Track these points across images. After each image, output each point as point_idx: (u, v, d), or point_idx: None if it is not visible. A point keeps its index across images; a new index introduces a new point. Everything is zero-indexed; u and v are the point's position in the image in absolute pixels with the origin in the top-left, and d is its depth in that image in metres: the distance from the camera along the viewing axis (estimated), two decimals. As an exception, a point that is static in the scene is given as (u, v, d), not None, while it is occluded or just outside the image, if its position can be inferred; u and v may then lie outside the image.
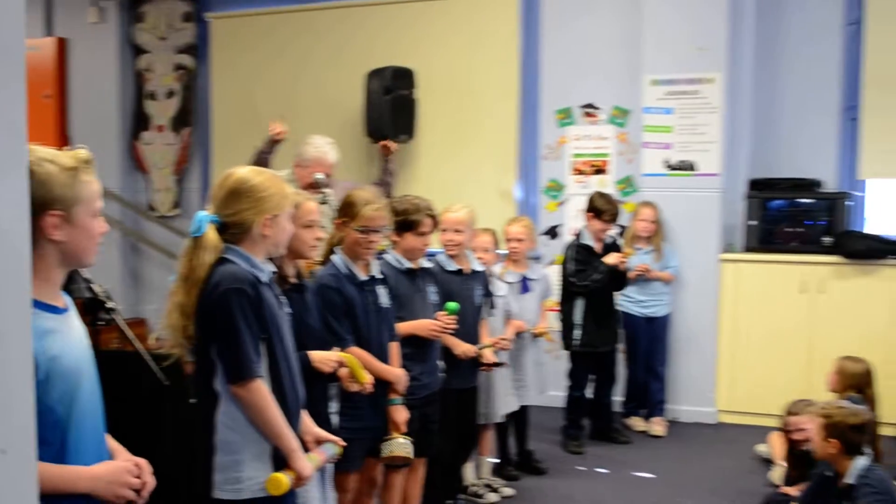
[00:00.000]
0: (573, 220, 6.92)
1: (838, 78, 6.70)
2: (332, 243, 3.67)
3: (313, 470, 2.72)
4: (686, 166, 6.53)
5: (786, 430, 4.79)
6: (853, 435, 3.81)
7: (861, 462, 3.79)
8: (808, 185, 6.58)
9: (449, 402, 4.27)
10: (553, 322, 5.77)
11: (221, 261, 2.59)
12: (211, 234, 2.58)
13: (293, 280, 3.23)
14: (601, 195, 5.90)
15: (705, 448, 6.02)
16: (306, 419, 2.84)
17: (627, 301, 6.22)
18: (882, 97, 6.47)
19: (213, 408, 2.59)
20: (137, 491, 2.06)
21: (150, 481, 2.12)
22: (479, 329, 4.59)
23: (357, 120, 7.12)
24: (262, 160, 5.28)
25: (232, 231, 2.62)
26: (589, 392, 6.07)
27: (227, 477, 2.58)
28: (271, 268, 2.73)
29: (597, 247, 5.81)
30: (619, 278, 5.85)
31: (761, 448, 5.58)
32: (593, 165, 7.00)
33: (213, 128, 8.20)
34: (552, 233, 7.10)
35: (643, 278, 6.19)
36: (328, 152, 5.15)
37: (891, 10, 6.46)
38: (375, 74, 7.01)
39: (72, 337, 2.03)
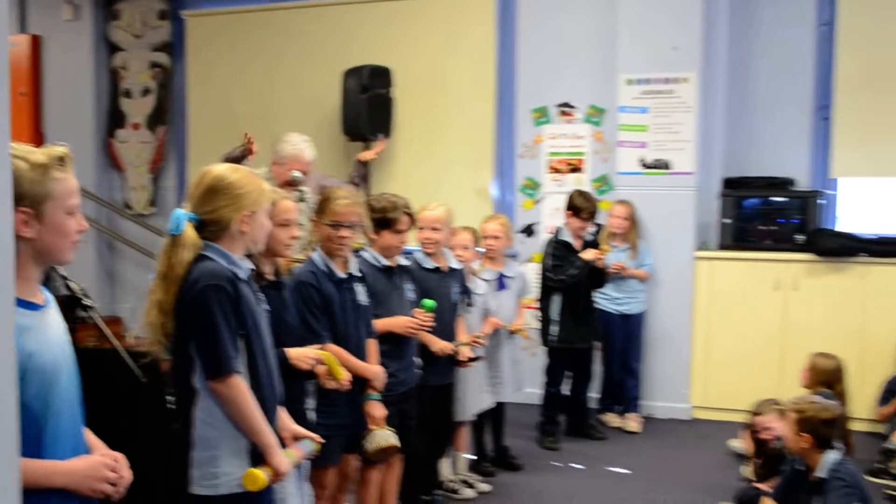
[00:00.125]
0: (549, 219, 6.97)
1: (811, 78, 6.78)
2: (312, 240, 3.68)
3: (291, 466, 2.73)
4: (661, 165, 6.58)
5: (753, 430, 4.83)
6: (825, 429, 3.87)
7: (832, 456, 3.84)
8: (782, 184, 6.65)
9: (425, 399, 4.30)
10: (529, 319, 5.80)
11: (200, 258, 2.59)
12: (189, 232, 2.59)
13: (270, 278, 3.24)
14: (580, 193, 5.94)
15: (680, 444, 6.08)
16: (283, 416, 2.85)
17: (603, 298, 6.26)
18: (854, 97, 6.56)
19: (191, 404, 2.59)
20: (115, 485, 2.07)
21: (128, 475, 2.13)
22: (456, 326, 4.62)
23: (334, 118, 7.13)
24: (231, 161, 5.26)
25: (210, 228, 2.62)
26: (565, 389, 6.11)
27: (204, 472, 2.58)
28: (249, 265, 2.74)
29: (576, 244, 5.85)
30: (597, 275, 5.89)
31: (735, 443, 5.64)
32: (569, 164, 7.04)
33: (189, 126, 8.17)
34: (528, 231, 7.14)
35: (619, 276, 6.23)
36: (305, 150, 5.15)
37: (862, 11, 6.55)
38: (352, 73, 7.01)
39: (48, 334, 2.03)
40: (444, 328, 4.41)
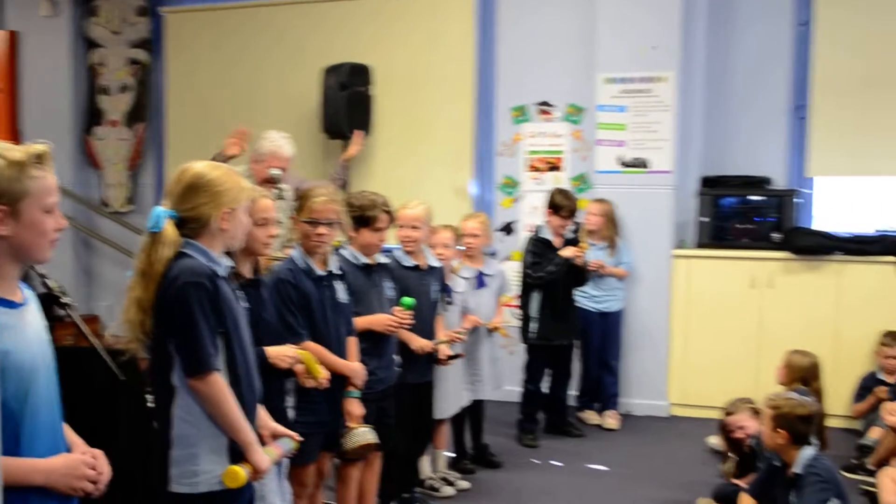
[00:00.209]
0: (528, 217, 6.99)
1: (788, 78, 6.84)
2: (291, 238, 3.68)
3: (270, 464, 2.73)
4: (639, 163, 6.61)
5: (726, 430, 4.86)
6: (801, 425, 3.91)
7: (808, 452, 3.89)
8: (758, 183, 6.70)
9: (405, 397, 4.31)
10: (508, 317, 5.82)
11: (179, 255, 2.58)
12: (169, 230, 2.58)
13: (248, 276, 3.23)
14: (560, 191, 5.96)
15: (658, 440, 6.12)
16: (262, 413, 2.85)
17: (582, 296, 6.28)
18: (830, 97, 6.63)
19: (170, 402, 2.59)
20: (94, 482, 2.07)
21: (107, 472, 2.13)
22: (436, 324, 4.63)
23: (314, 116, 7.13)
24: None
25: (190, 226, 2.61)
26: (545, 387, 6.13)
27: (183, 470, 2.58)
28: (229, 262, 2.74)
29: (556, 241, 5.87)
30: (577, 273, 5.91)
31: (712, 440, 5.68)
32: (548, 162, 7.07)
33: (168, 123, 8.14)
34: (507, 229, 7.15)
35: (598, 274, 6.25)
36: (283, 146, 5.13)
37: (839, 12, 6.61)
38: (332, 71, 7.01)
39: (27, 332, 2.02)
40: (424, 326, 4.42)
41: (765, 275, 6.46)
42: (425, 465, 5.02)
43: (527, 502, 4.93)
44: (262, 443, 2.74)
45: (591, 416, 6.49)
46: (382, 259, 4.13)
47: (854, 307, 6.25)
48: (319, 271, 3.62)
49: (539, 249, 5.86)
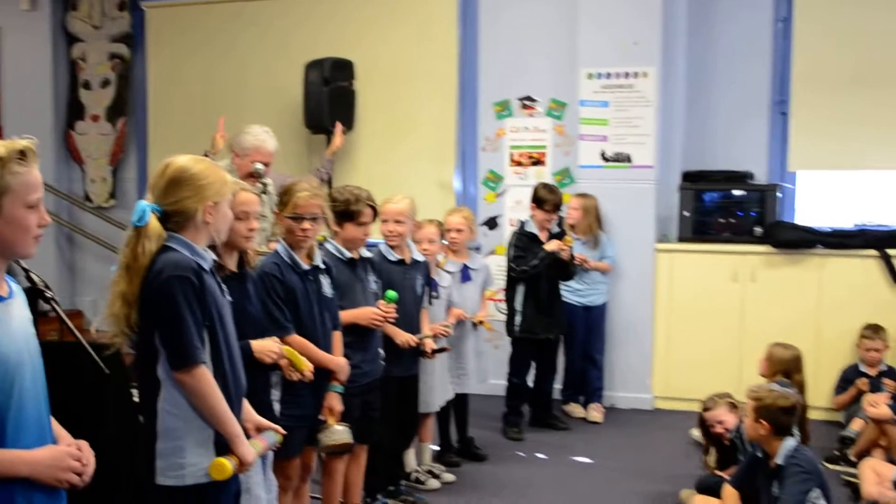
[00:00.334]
0: (512, 211, 7.00)
1: (768, 73, 6.87)
2: (276, 232, 3.68)
3: (256, 456, 2.74)
4: (622, 158, 6.63)
5: (705, 425, 4.88)
6: (783, 417, 3.93)
7: (790, 443, 3.91)
8: (740, 177, 6.73)
9: (390, 390, 4.32)
10: (493, 311, 5.84)
11: (164, 249, 2.58)
12: (153, 223, 2.58)
13: (232, 269, 3.23)
14: (545, 186, 5.99)
15: (642, 433, 6.15)
16: (247, 407, 2.85)
17: (566, 290, 6.29)
18: (811, 92, 6.67)
19: (155, 395, 2.59)
20: (79, 474, 2.07)
21: (92, 463, 2.13)
22: (420, 318, 4.64)
23: (296, 111, 7.10)
24: None
25: (174, 219, 2.62)
26: (530, 380, 6.15)
27: (169, 463, 2.58)
28: (213, 256, 2.74)
29: (542, 235, 5.89)
30: (563, 267, 5.92)
31: (695, 433, 5.70)
32: (531, 157, 7.08)
33: (149, 117, 8.11)
34: (491, 223, 7.16)
35: (581, 268, 6.27)
36: (266, 140, 5.10)
37: (819, 8, 6.66)
38: (314, 65, 6.99)
39: (12, 325, 2.02)
40: (409, 320, 4.43)
41: (747, 269, 6.50)
42: (411, 459, 5.03)
43: (512, 495, 4.95)
44: (247, 436, 2.74)
45: (575, 410, 6.51)
46: (366, 253, 4.13)
47: (835, 300, 6.30)
48: (305, 265, 3.62)
49: (523, 243, 5.88)
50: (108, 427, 3.34)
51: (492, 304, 6.05)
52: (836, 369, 6.09)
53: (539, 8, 6.96)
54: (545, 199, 5.84)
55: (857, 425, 5.37)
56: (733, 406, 4.72)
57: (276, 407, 3.40)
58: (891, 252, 6.20)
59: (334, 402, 3.71)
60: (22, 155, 2.00)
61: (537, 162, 7.06)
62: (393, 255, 4.44)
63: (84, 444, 2.14)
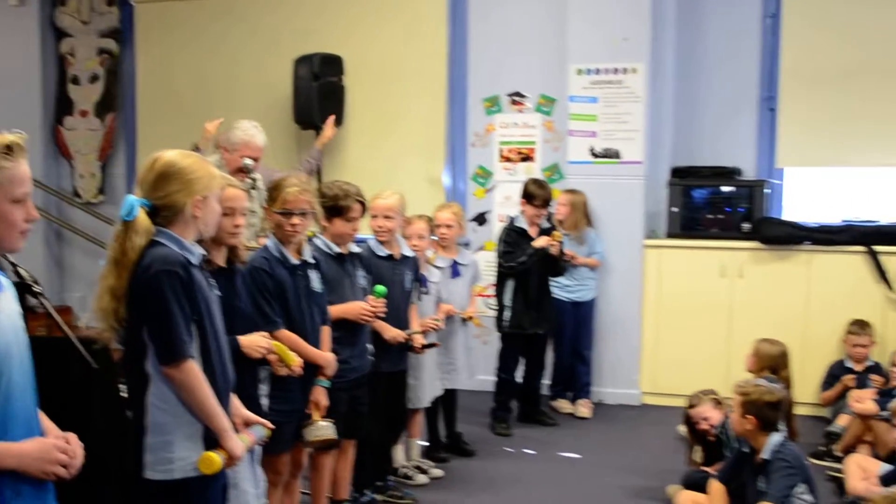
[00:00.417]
0: (501, 207, 7.02)
1: (757, 69, 6.89)
2: (265, 228, 3.68)
3: (244, 450, 2.74)
4: (611, 154, 6.65)
5: (690, 422, 4.90)
6: (769, 412, 3.96)
7: (776, 438, 3.94)
8: (728, 173, 6.75)
9: (378, 386, 4.33)
10: (482, 307, 5.85)
11: (152, 243, 2.59)
12: (142, 218, 2.58)
13: (220, 264, 3.22)
14: (535, 181, 6.00)
15: (629, 429, 6.17)
16: (234, 401, 2.86)
17: (554, 286, 6.30)
18: (799, 88, 6.70)
19: (144, 390, 2.59)
20: (66, 467, 2.07)
21: (80, 455, 2.13)
22: (409, 314, 4.65)
23: (285, 106, 7.10)
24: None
25: (163, 214, 2.62)
26: (518, 376, 6.16)
27: (158, 457, 2.59)
28: (201, 250, 2.74)
29: (532, 231, 5.90)
30: (552, 262, 5.93)
31: (682, 428, 5.72)
32: (520, 153, 7.09)
33: (138, 113, 8.09)
34: (480, 219, 7.17)
35: (569, 264, 6.29)
36: (256, 135, 5.08)
37: (806, 4, 6.69)
38: (304, 61, 6.99)
39: (0, 318, 2.02)
40: (397, 316, 4.44)
41: (735, 264, 6.53)
42: (399, 454, 5.04)
43: (500, 490, 4.97)
44: (235, 430, 2.75)
45: (563, 405, 6.53)
46: (355, 249, 4.14)
47: (822, 296, 6.33)
48: (294, 260, 3.63)
49: (513, 239, 5.89)
50: (96, 422, 3.34)
51: (480, 300, 6.05)
52: (823, 365, 6.12)
53: (528, 4, 6.97)
54: (535, 194, 5.86)
55: (843, 421, 5.41)
56: (718, 403, 4.75)
57: (265, 402, 3.40)
58: (878, 248, 6.23)
59: (320, 396, 3.71)
60: (8, 150, 2.00)
61: (526, 158, 7.07)
62: (382, 251, 4.45)
63: (72, 436, 2.14)
